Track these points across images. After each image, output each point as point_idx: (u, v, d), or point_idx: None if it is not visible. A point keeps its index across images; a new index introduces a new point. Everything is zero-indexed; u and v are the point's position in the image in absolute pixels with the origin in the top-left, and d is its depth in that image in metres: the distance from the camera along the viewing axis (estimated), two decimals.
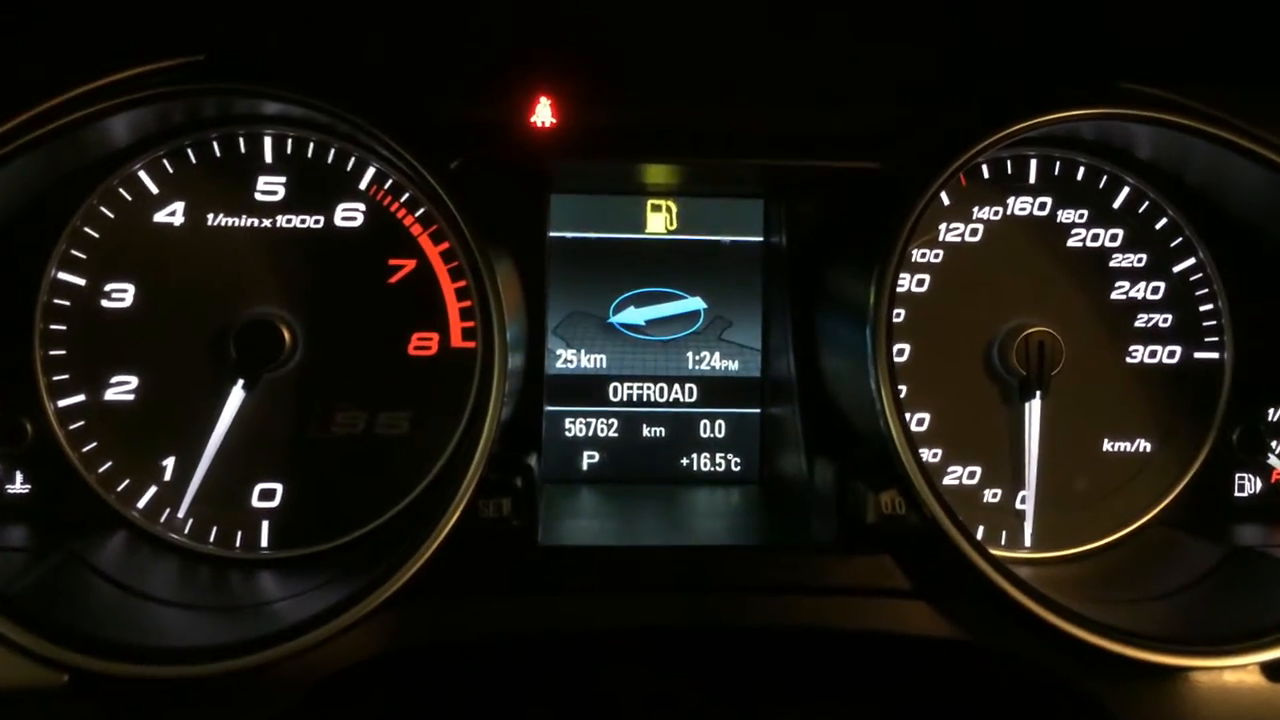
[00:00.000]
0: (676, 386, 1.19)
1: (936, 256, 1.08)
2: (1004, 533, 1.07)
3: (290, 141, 1.02)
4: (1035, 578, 0.97)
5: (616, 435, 1.18)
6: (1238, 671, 0.87)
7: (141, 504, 1.00)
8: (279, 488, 1.02)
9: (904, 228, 0.92)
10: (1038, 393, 1.04)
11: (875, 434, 0.92)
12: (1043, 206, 1.09)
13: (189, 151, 1.01)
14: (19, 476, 1.00)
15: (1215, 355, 1.10)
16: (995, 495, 1.08)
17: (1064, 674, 0.89)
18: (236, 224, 1.02)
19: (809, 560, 0.93)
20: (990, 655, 0.91)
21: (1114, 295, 1.09)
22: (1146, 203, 1.09)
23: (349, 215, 1.03)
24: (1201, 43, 1.00)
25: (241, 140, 1.02)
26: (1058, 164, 1.09)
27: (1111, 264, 1.09)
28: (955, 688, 0.98)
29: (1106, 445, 1.09)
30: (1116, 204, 1.09)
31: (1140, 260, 1.09)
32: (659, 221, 1.18)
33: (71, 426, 1.00)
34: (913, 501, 0.90)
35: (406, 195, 1.03)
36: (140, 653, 0.80)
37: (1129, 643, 0.85)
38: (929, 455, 1.07)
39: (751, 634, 0.93)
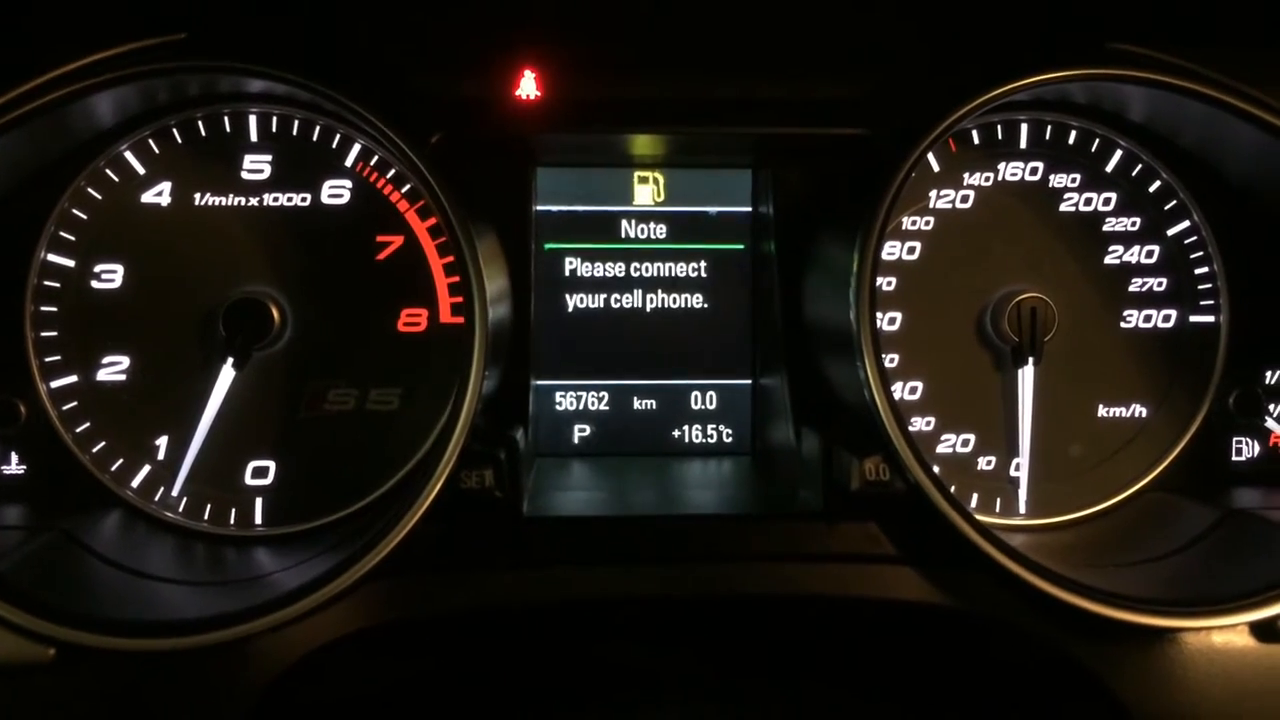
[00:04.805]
0: None
1: (927, 224, 1.08)
2: (999, 500, 1.07)
3: (275, 119, 1.03)
4: (1030, 544, 0.97)
5: (607, 408, 1.18)
6: (1226, 632, 0.87)
7: (135, 483, 1.01)
8: (272, 465, 1.02)
9: (888, 193, 0.91)
10: (1030, 359, 1.03)
11: (860, 402, 0.91)
12: (1034, 171, 1.08)
13: (174, 131, 1.01)
14: (13, 458, 1.01)
15: (1211, 319, 1.08)
16: (989, 463, 1.07)
17: (1051, 638, 0.88)
18: (223, 203, 1.03)
19: (794, 528, 0.93)
20: (976, 620, 0.90)
21: (1108, 260, 1.08)
22: (1140, 165, 1.08)
23: (336, 192, 1.04)
24: (1194, 3, 0.98)
25: (226, 119, 1.02)
26: (1049, 128, 1.08)
27: (1105, 228, 1.08)
28: (943, 656, 0.98)
29: (1101, 411, 1.08)
30: (1109, 167, 1.08)
31: (1134, 224, 1.08)
32: (646, 193, 1.17)
33: (64, 407, 1.01)
34: (897, 467, 0.90)
35: (392, 172, 1.03)
36: (123, 626, 0.81)
37: (1114, 605, 0.84)
38: (922, 424, 1.07)
39: (735, 602, 0.93)
